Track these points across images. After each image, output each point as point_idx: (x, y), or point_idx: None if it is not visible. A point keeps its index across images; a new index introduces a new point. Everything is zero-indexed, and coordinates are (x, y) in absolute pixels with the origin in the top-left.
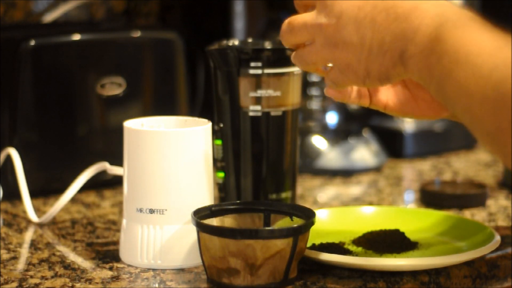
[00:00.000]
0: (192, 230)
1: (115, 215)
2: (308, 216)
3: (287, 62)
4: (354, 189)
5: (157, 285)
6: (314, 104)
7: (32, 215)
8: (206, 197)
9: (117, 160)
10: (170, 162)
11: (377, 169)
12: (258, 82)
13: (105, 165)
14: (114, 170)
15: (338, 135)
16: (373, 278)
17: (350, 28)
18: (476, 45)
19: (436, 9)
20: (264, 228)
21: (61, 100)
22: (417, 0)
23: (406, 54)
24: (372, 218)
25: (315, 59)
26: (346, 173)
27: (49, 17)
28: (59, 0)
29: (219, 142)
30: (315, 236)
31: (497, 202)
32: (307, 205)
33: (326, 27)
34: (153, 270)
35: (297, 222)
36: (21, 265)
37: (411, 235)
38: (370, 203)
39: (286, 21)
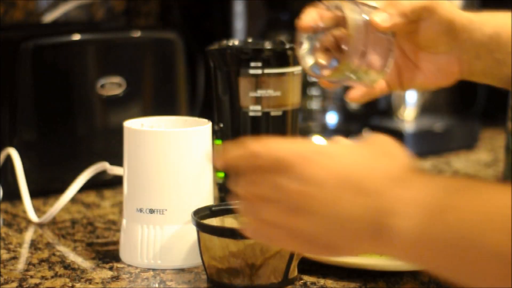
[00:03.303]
0: (192, 230)
1: (115, 215)
2: None
3: (287, 62)
4: None
5: (157, 285)
6: (314, 104)
7: (32, 215)
8: (206, 197)
9: (117, 160)
10: (170, 162)
11: None
12: (258, 82)
13: (105, 165)
14: (114, 170)
15: (338, 135)
16: (373, 278)
17: (317, 198)
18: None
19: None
20: None
21: (61, 100)
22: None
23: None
24: None
25: (271, 220)
26: None
27: (49, 17)
28: (59, 0)
29: (219, 142)
30: None
31: None
32: None
33: (291, 191)
34: (153, 270)
35: None
36: (21, 265)
37: None
38: None
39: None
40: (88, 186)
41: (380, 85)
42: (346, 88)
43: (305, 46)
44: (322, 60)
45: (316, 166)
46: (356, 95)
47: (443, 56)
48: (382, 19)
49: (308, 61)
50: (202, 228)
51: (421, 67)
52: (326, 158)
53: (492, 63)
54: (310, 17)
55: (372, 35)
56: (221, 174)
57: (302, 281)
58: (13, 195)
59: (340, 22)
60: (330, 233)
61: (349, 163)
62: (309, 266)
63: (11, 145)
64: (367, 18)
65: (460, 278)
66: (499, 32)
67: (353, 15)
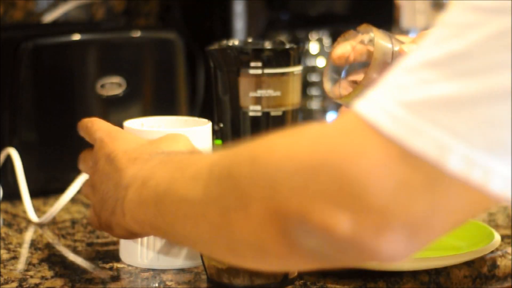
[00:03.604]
0: None
1: None
2: None
3: (287, 62)
4: None
5: (157, 285)
6: (314, 104)
7: (32, 215)
8: None
9: None
10: None
11: None
12: (258, 82)
13: None
14: None
15: None
16: (373, 278)
17: (98, 174)
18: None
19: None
20: None
21: (61, 100)
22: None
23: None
24: None
25: (85, 192)
26: None
27: (49, 17)
28: (59, 0)
29: (219, 142)
30: None
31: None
32: None
33: (90, 168)
34: (153, 270)
35: None
36: (21, 265)
37: None
38: None
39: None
40: None
41: None
42: None
43: (331, 76)
44: (348, 90)
45: (102, 146)
46: None
47: None
48: (411, 49)
49: (331, 88)
50: None
51: None
52: (111, 139)
53: None
54: (343, 49)
55: None
56: None
57: (302, 281)
58: (13, 195)
59: (371, 57)
60: (102, 210)
61: (118, 145)
62: None
63: (11, 145)
64: (396, 49)
65: (170, 232)
66: None
67: (383, 41)
